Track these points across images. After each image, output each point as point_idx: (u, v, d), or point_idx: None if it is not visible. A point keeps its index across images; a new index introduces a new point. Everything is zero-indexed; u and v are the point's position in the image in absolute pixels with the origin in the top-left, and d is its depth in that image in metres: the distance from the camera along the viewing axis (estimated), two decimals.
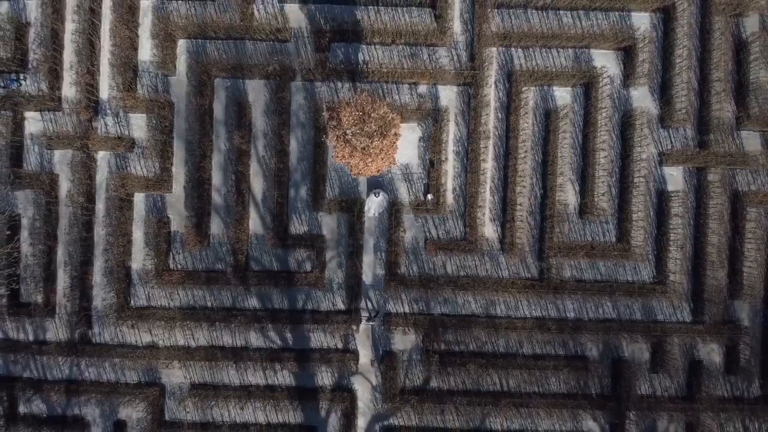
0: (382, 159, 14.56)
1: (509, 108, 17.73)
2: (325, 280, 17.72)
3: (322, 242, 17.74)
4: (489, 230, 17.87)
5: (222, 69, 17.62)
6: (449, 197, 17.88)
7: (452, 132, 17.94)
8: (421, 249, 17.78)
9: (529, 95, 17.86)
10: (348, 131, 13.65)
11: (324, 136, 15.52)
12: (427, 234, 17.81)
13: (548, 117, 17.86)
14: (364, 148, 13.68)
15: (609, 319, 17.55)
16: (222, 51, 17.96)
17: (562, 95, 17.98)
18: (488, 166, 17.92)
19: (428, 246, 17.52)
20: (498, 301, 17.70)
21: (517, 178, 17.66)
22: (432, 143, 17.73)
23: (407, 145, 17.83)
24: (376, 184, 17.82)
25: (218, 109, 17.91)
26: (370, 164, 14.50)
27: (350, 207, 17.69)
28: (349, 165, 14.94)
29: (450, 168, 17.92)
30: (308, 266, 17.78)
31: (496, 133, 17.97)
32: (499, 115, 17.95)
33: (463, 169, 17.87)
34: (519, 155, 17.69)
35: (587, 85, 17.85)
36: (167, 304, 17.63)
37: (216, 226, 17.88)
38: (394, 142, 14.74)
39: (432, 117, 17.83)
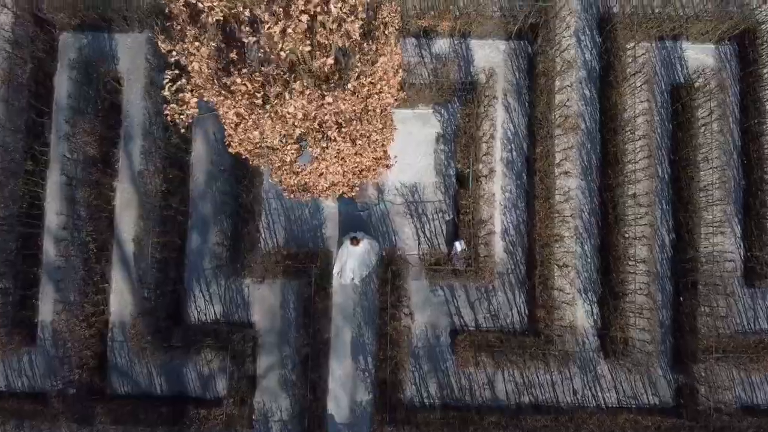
0: (359, 147, 5.81)
1: (605, 79, 10.59)
2: (255, 416, 10.02)
3: (248, 339, 9.97)
4: (577, 312, 10.20)
5: (73, 15, 10.69)
6: (498, 247, 10.38)
7: (501, 123, 10.57)
8: (445, 350, 10.10)
9: (642, 56, 10.65)
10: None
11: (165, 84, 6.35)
12: (456, 320, 10.17)
13: (677, 95, 10.64)
14: (268, 104, 5.07)
15: None
16: None
17: (700, 57, 10.88)
18: (571, 185, 10.32)
19: (459, 345, 9.85)
20: None
21: (627, 211, 10.03)
22: (462, 144, 10.30)
23: (415, 147, 10.45)
24: (354, 221, 10.30)
25: (62, 84, 10.72)
26: (309, 165, 5.70)
27: (304, 267, 10.16)
28: (271, 174, 6.12)
29: (497, 190, 10.45)
30: (221, 387, 10.11)
31: (585, 123, 10.58)
32: (587, 93, 10.68)
33: (523, 192, 10.42)
34: (626, 165, 10.10)
35: (742, 39, 10.82)
36: None
37: (47, 308, 10.32)
38: (391, 94, 6.01)
39: (461, 96, 10.51)
